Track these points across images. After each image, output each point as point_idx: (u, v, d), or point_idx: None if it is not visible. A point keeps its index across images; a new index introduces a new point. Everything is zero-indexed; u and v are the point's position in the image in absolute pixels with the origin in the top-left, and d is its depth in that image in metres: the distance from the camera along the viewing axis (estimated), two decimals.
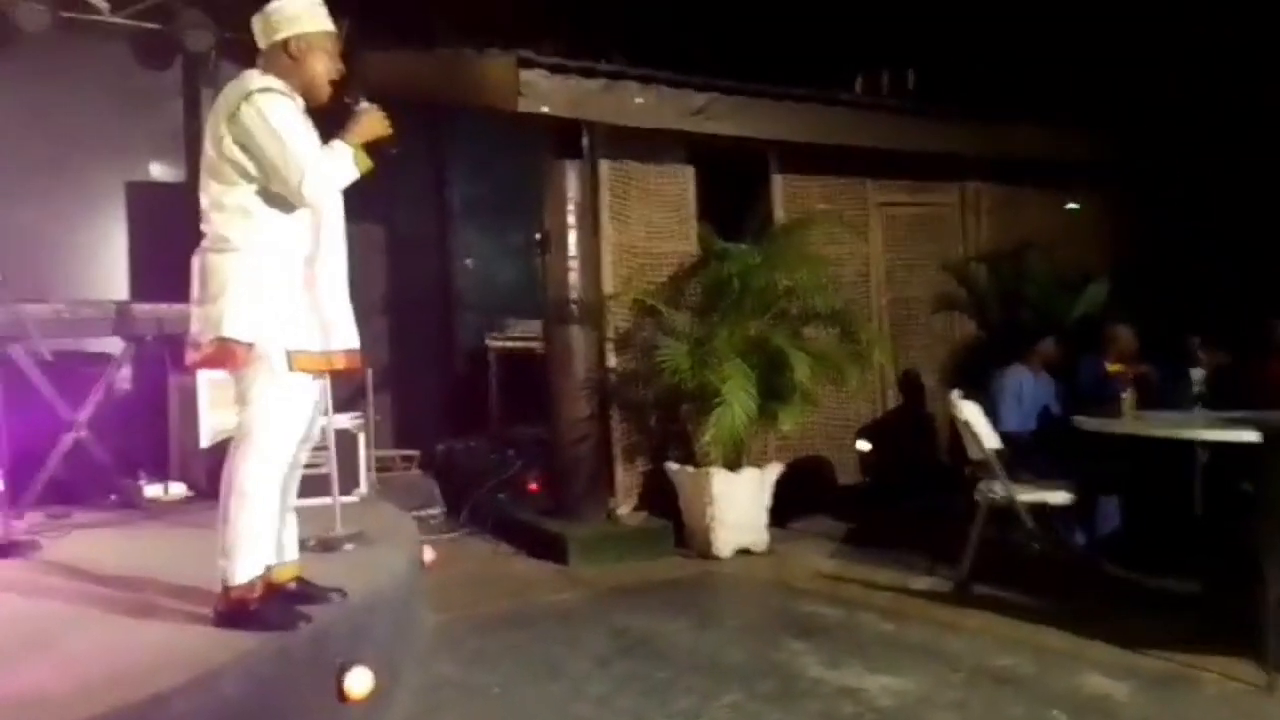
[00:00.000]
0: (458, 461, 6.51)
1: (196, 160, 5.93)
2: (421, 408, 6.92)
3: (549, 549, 5.13)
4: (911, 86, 6.56)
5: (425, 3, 5.23)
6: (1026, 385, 5.27)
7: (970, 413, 4.61)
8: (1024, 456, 4.77)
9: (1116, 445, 4.37)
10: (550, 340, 5.48)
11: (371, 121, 2.78)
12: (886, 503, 5.90)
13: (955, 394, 4.86)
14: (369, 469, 5.10)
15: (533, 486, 6.02)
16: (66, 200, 5.68)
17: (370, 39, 4.30)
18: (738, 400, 4.63)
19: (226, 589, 2.69)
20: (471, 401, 7.08)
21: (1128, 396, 4.43)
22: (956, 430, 6.24)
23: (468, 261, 7.45)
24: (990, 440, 4.62)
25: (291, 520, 2.93)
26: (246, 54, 2.83)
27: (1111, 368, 5.18)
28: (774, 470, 5.25)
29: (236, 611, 2.67)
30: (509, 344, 6.94)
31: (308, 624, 2.71)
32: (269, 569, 2.76)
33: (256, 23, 2.82)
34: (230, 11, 5.57)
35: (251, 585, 2.70)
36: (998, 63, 6.53)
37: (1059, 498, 4.53)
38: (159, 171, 6.07)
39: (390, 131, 2.82)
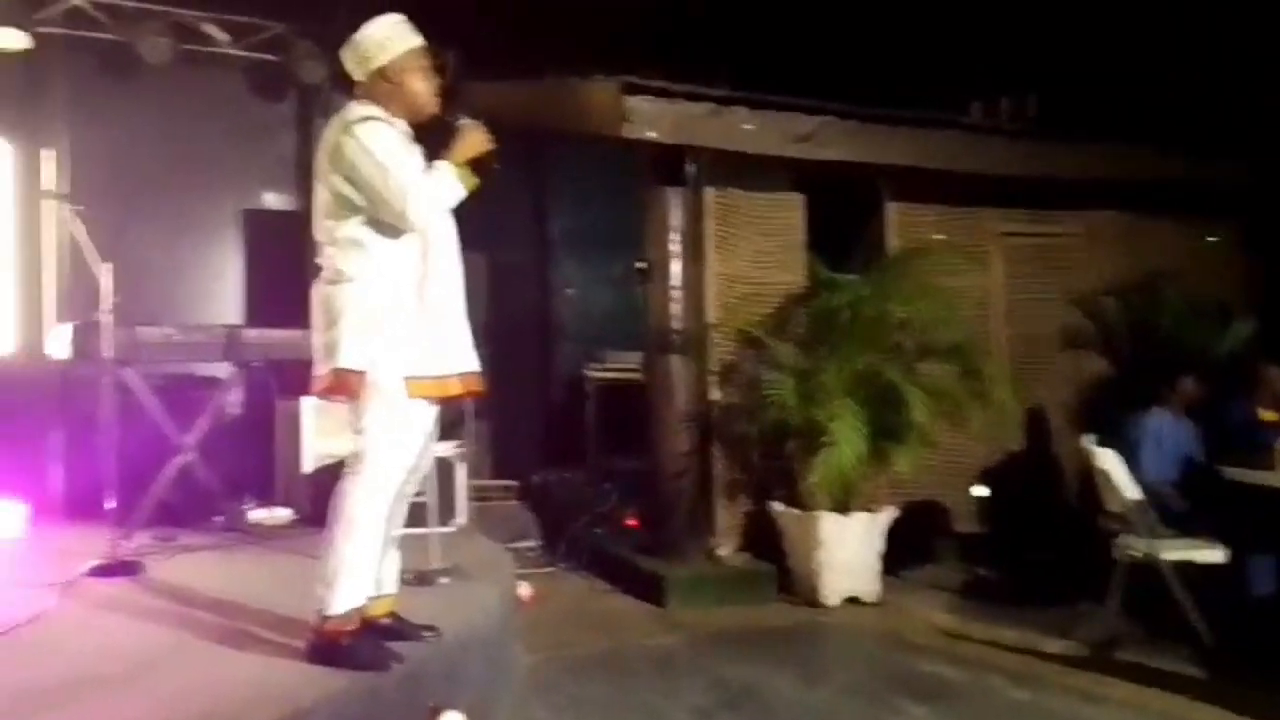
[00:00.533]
0: (554, 493, 6.41)
1: (308, 189, 6.05)
2: (519, 438, 6.86)
3: (646, 588, 4.94)
4: (1032, 113, 6.22)
5: (527, 32, 5.20)
6: (1167, 429, 4.88)
7: (1109, 461, 4.27)
8: (1165, 508, 4.40)
9: (1268, 499, 3.97)
10: (651, 372, 5.33)
11: (473, 137, 2.75)
12: (1008, 553, 5.52)
13: (1088, 439, 4.53)
14: (467, 499, 5.04)
15: (630, 521, 5.87)
16: (184, 226, 5.85)
17: (473, 69, 4.27)
18: (846, 440, 4.38)
19: (322, 620, 2.60)
20: (569, 433, 6.98)
21: None
22: (1085, 476, 5.93)
23: (568, 291, 7.39)
24: (1130, 491, 4.26)
25: (394, 553, 2.85)
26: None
27: (1264, 414, 4.74)
28: (887, 514, 4.95)
29: (329, 647, 2.58)
30: (608, 375, 6.83)
31: (400, 664, 2.60)
32: (367, 600, 2.67)
33: (347, 56, 2.82)
34: (342, 44, 5.69)
35: (348, 618, 2.61)
36: (1123, 87, 6.17)
37: (1210, 556, 4.14)
38: (272, 200, 6.20)
39: (493, 146, 2.78)
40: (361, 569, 2.66)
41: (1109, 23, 6.38)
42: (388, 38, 2.75)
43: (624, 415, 6.80)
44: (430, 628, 2.83)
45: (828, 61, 5.96)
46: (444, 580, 3.61)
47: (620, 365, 6.84)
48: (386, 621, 2.78)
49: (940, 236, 5.78)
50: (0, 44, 5.22)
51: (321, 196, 2.76)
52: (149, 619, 3.18)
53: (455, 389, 2.79)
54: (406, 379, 2.66)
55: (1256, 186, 6.03)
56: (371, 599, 2.71)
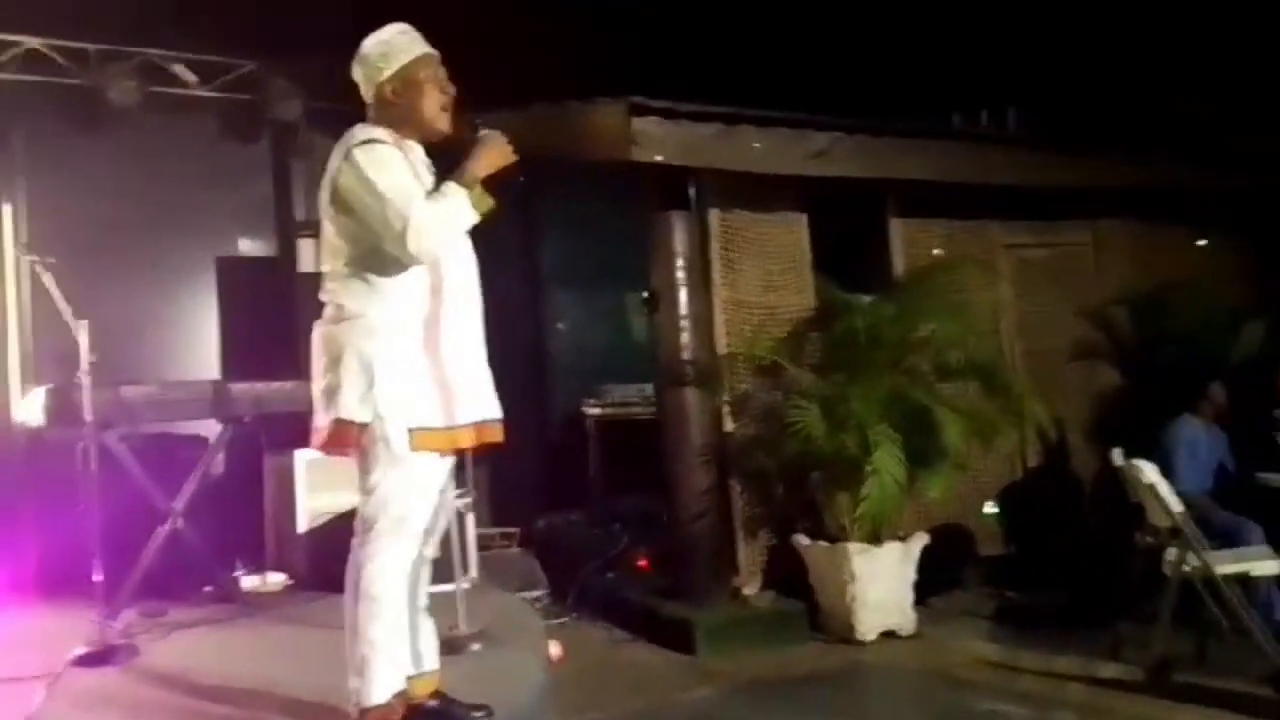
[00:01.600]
0: (559, 537, 6.12)
1: (286, 234, 5.82)
2: (517, 480, 6.54)
3: (672, 636, 4.66)
4: (1012, 125, 6.13)
5: (526, 56, 5.00)
6: (1200, 438, 4.75)
7: (1151, 473, 4.09)
8: (1204, 520, 4.24)
9: None
10: (662, 406, 5.09)
11: (493, 149, 2.50)
12: (1034, 575, 5.33)
13: (1118, 453, 4.37)
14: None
15: (642, 563, 5.60)
16: (156, 277, 5.52)
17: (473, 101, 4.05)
18: (889, 469, 4.16)
19: (361, 714, 2.31)
20: (570, 472, 6.70)
21: None
22: (1103, 491, 5.77)
23: (560, 325, 7.15)
24: (1176, 503, 4.09)
25: (426, 624, 2.56)
26: (336, 123, 2.61)
27: None
28: (919, 542, 4.74)
29: None
30: (608, 410, 6.59)
31: None
32: (407, 681, 2.38)
33: (355, 70, 2.59)
34: (318, 80, 5.44)
35: (390, 707, 2.33)
36: (1114, 95, 6.11)
37: (1266, 568, 3.98)
38: (248, 246, 5.90)
39: (515, 158, 2.54)
40: (393, 650, 2.39)
41: (1094, 27, 6.34)
42: (393, 47, 2.53)
43: (628, 452, 6.55)
44: (481, 707, 2.55)
45: (804, 76, 5.83)
46: (475, 647, 3.32)
47: (620, 400, 6.61)
48: (433, 703, 2.49)
49: (938, 251, 5.64)
50: None
51: (324, 229, 2.52)
52: (153, 715, 2.86)
53: (467, 440, 2.52)
54: (411, 430, 2.39)
55: (1264, 192, 5.97)
56: (412, 678, 2.43)
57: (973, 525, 5.56)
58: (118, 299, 5.19)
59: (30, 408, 4.29)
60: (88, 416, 3.63)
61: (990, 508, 5.64)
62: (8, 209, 5.18)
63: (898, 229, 5.57)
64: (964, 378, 4.93)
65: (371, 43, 2.55)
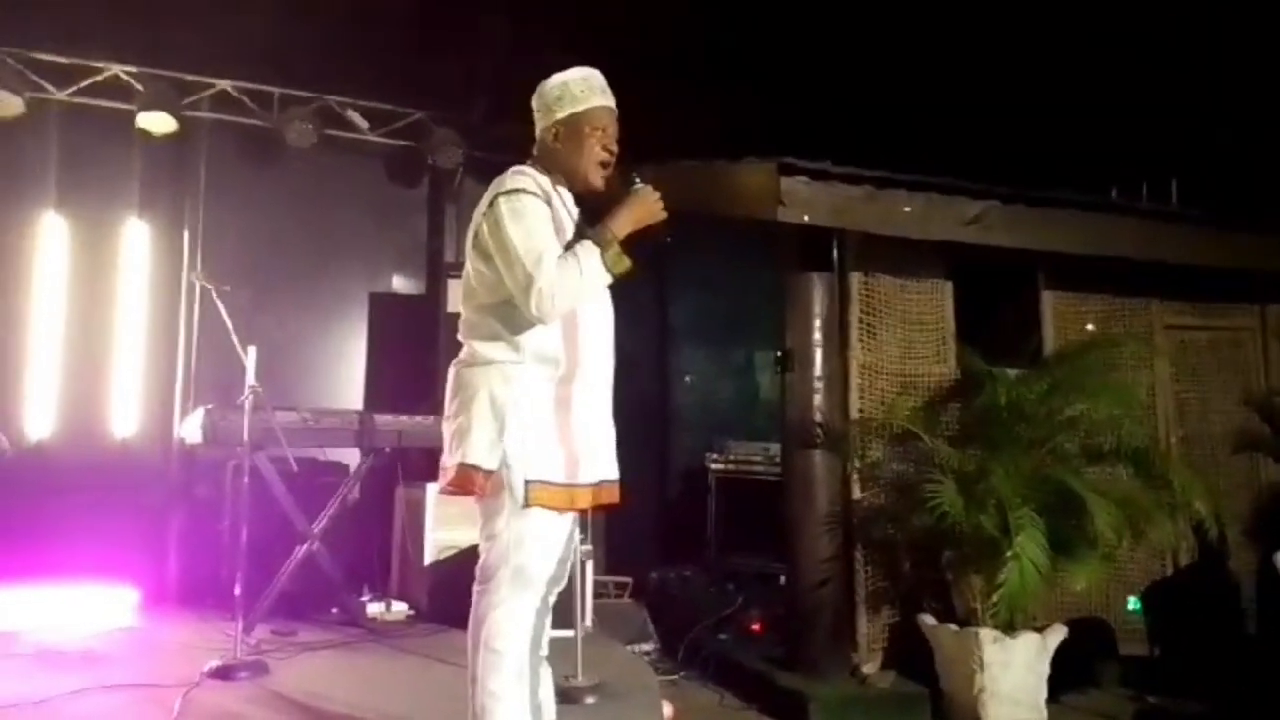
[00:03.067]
0: (673, 592, 6.05)
1: (437, 274, 6.06)
2: (634, 530, 6.53)
3: (785, 708, 4.50)
4: (1174, 200, 5.83)
5: (672, 117, 5.08)
6: None
7: None
8: None
9: None
10: (789, 467, 4.98)
11: (643, 206, 2.45)
12: (1179, 680, 4.94)
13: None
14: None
15: (756, 626, 5.48)
16: (311, 308, 5.84)
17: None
18: (1031, 555, 3.94)
19: None
20: (687, 527, 6.65)
21: None
22: (1260, 595, 5.32)
23: (687, 379, 7.16)
24: None
25: (546, 673, 2.53)
26: (492, 172, 2.59)
27: None
28: (1057, 635, 4.45)
29: None
30: (730, 467, 6.52)
31: None
32: None
33: (534, 102, 2.58)
34: (478, 131, 5.70)
35: None
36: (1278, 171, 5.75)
37: None
38: (400, 284, 6.16)
39: (665, 216, 2.48)
40: (513, 700, 2.36)
41: (1263, 101, 6.01)
42: (569, 91, 2.50)
43: (747, 510, 6.47)
44: None
45: (957, 142, 5.72)
46: (590, 700, 3.29)
47: (743, 457, 6.54)
48: None
49: (1091, 327, 5.39)
50: (150, 127, 5.32)
51: (466, 269, 2.52)
52: None
53: (584, 501, 2.47)
54: (529, 483, 2.35)
55: None
56: None
57: (1114, 621, 5.21)
58: (275, 326, 5.51)
59: (191, 426, 4.54)
60: (245, 438, 3.82)
61: (1134, 604, 5.29)
62: (186, 235, 5.57)
63: (1049, 302, 5.35)
64: (1115, 462, 4.65)
65: (554, 82, 2.53)
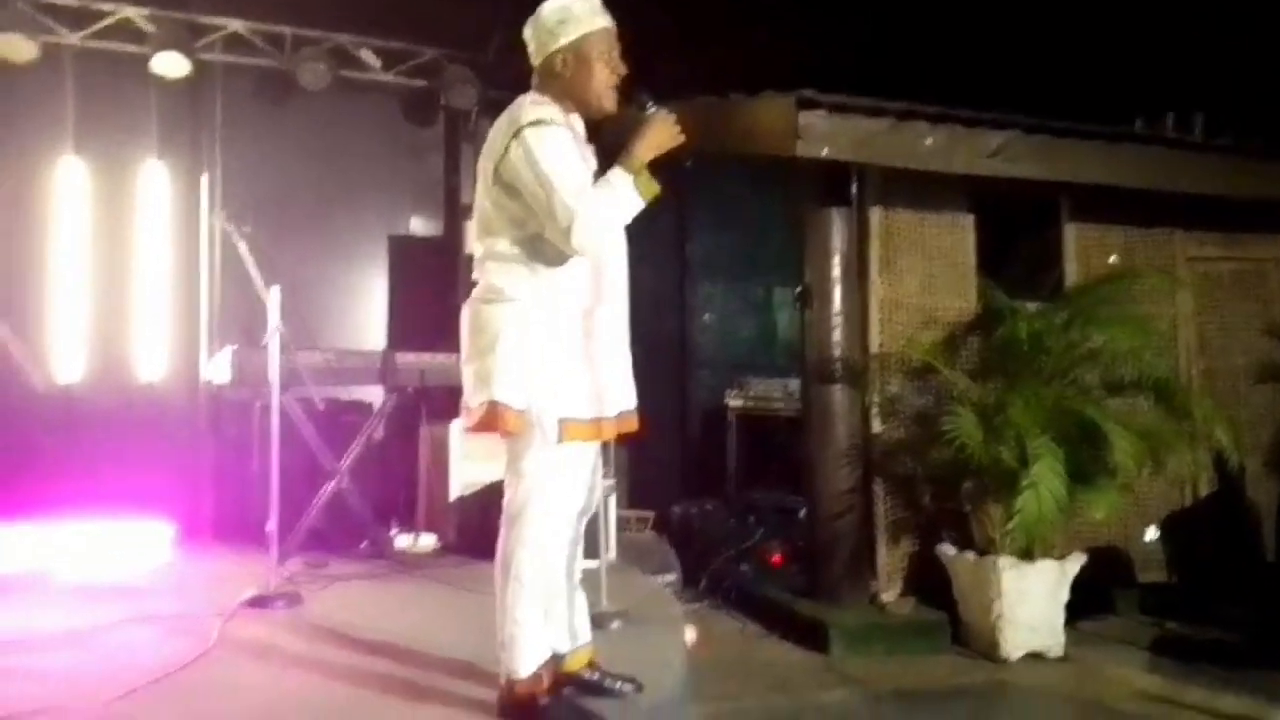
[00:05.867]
0: (694, 526, 6.14)
1: (454, 215, 6.05)
2: (655, 466, 6.61)
3: (806, 634, 4.60)
4: (1199, 130, 5.72)
5: (689, 51, 5.01)
6: None
7: None
8: None
9: None
10: (808, 402, 5.01)
11: (660, 131, 2.39)
12: (1198, 607, 5.00)
13: None
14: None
15: (775, 559, 5.57)
16: (331, 250, 5.85)
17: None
18: (1048, 484, 3.97)
19: (511, 683, 2.38)
20: (708, 462, 6.72)
21: None
22: None
23: (706, 317, 7.16)
24: None
25: (580, 599, 2.61)
26: None
27: None
28: (1075, 562, 4.51)
29: (524, 710, 2.36)
30: (750, 404, 6.57)
31: None
32: (560, 657, 2.44)
33: (528, 34, 2.51)
34: (493, 70, 5.64)
35: (538, 678, 2.39)
36: None
37: None
38: (419, 225, 6.17)
39: (683, 139, 2.43)
40: (538, 629, 2.42)
41: None
42: (571, 15, 2.44)
43: (767, 445, 6.53)
44: (631, 679, 2.59)
45: (979, 72, 5.60)
46: (615, 625, 3.38)
47: (763, 393, 6.57)
48: (587, 675, 2.55)
49: (1114, 260, 5.34)
50: (163, 70, 5.30)
51: (482, 207, 2.46)
52: (316, 663, 3.04)
53: (610, 431, 2.51)
54: (561, 421, 2.37)
55: None
56: (565, 655, 2.50)
57: (1132, 549, 5.26)
58: (296, 267, 5.51)
59: (218, 367, 4.61)
60: (271, 378, 3.88)
61: (1153, 533, 5.32)
62: (205, 179, 5.58)
63: (1072, 235, 5.30)
64: (1135, 394, 4.65)
65: (550, 8, 2.45)
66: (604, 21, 2.48)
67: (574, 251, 2.35)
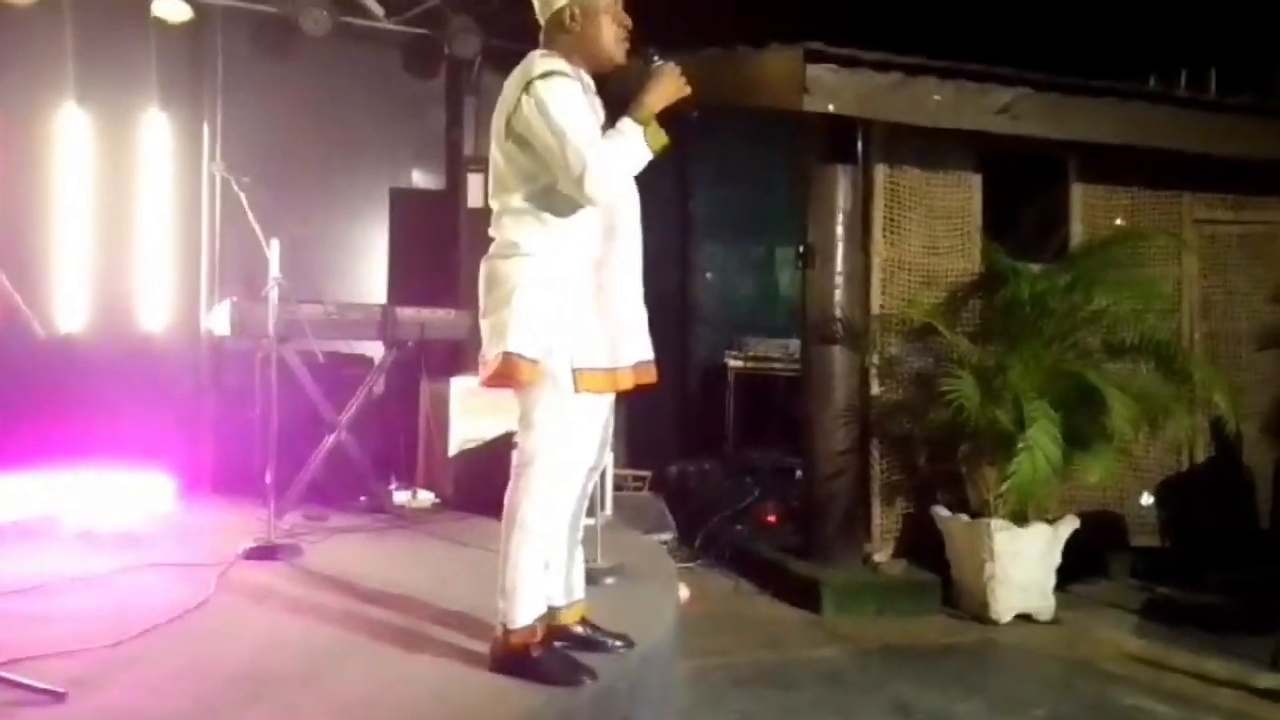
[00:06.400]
0: (691, 485, 6.18)
1: (456, 168, 5.98)
2: (652, 425, 6.61)
3: (798, 593, 4.66)
4: (1213, 89, 5.63)
5: (697, 4, 4.93)
6: None
7: None
8: None
9: None
10: (808, 362, 5.01)
11: (667, 83, 2.42)
12: (1191, 572, 5.03)
13: None
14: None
15: (770, 518, 5.61)
16: (333, 202, 5.80)
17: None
18: (1043, 447, 3.98)
19: (506, 633, 2.41)
20: (705, 421, 6.74)
21: None
22: (1277, 490, 5.36)
23: (707, 275, 7.13)
24: None
25: (579, 555, 2.65)
26: (511, 63, 2.56)
27: None
28: (1068, 526, 4.54)
29: (517, 659, 2.40)
30: (749, 363, 6.57)
31: (593, 681, 2.39)
32: (554, 610, 2.48)
33: None
34: (497, 19, 5.54)
35: (532, 629, 2.42)
36: None
37: None
38: (420, 178, 6.11)
39: (689, 91, 2.45)
40: (538, 579, 2.45)
41: None
42: None
43: (765, 405, 6.54)
44: (623, 637, 2.63)
45: (988, 26, 5.50)
46: (609, 580, 3.41)
47: (762, 353, 6.57)
48: (580, 630, 2.58)
49: (1120, 221, 5.29)
50: (165, 15, 5.23)
51: (495, 161, 2.49)
52: (314, 611, 3.08)
53: (627, 382, 2.53)
54: (576, 370, 2.40)
55: None
56: (561, 608, 2.54)
57: (1126, 514, 5.29)
58: (297, 219, 5.48)
59: (218, 318, 4.60)
60: (270, 330, 3.88)
61: (1148, 499, 5.34)
62: (206, 129, 5.53)
63: (1079, 195, 5.24)
64: (1136, 357, 4.64)
65: None
66: None
67: (586, 200, 2.37)
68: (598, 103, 2.55)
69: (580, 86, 2.45)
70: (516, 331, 2.38)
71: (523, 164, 2.42)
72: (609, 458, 3.75)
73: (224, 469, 5.19)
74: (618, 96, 2.55)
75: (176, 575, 3.46)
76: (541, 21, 2.53)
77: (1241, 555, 5.04)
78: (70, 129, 5.26)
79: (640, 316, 2.61)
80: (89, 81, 5.25)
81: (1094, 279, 4.49)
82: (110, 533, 4.08)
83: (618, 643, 2.61)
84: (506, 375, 2.40)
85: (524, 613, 2.42)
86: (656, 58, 2.47)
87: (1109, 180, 5.25)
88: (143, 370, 5.22)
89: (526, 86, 2.38)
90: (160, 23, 5.27)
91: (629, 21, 2.52)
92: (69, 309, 5.25)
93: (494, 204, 2.53)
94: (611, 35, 2.49)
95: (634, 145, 2.37)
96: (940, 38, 4.73)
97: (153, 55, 5.37)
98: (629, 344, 2.53)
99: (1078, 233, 5.20)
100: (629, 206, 2.56)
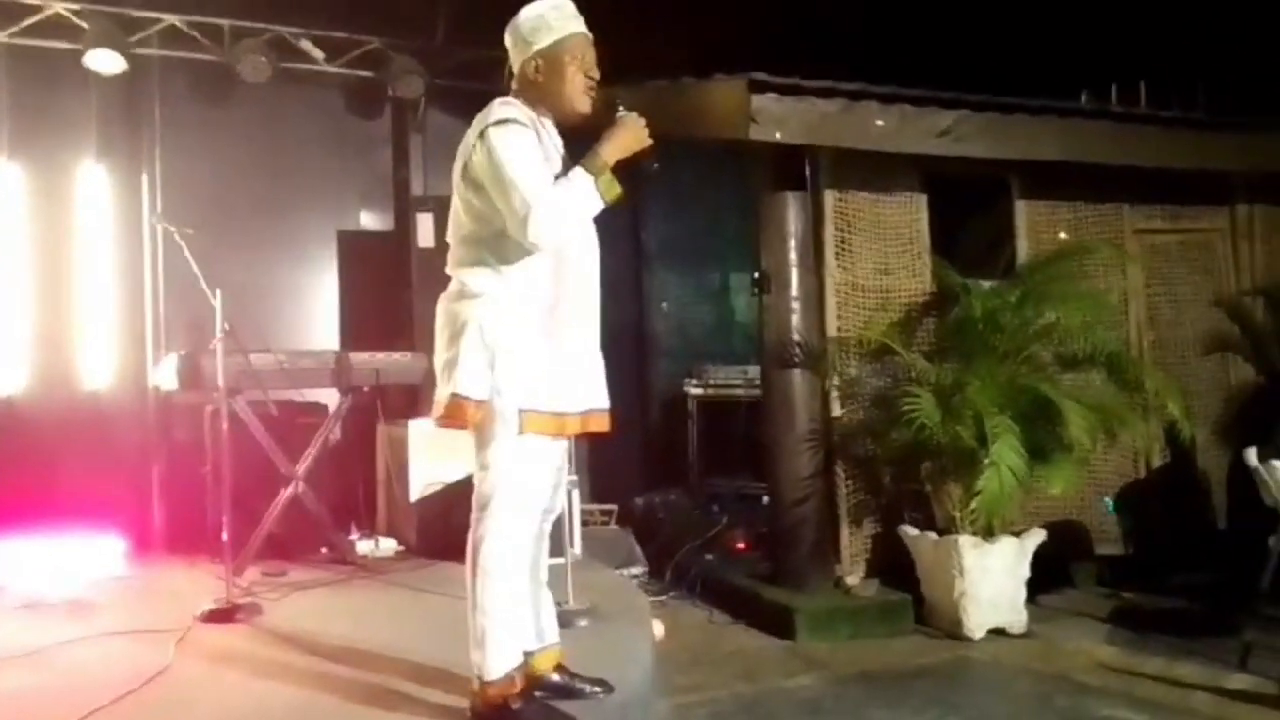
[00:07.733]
0: (658, 516, 6.13)
1: (404, 209, 5.92)
2: (616, 458, 6.57)
3: (772, 621, 4.62)
4: (1144, 102, 5.80)
5: (642, 36, 4.95)
6: None
7: None
8: None
9: None
10: (768, 388, 5.02)
11: (627, 134, 2.46)
12: (1154, 577, 5.10)
13: (1251, 452, 4.15)
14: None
15: (740, 545, 5.59)
16: (279, 248, 5.72)
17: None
18: (1008, 462, 4.01)
19: (484, 685, 2.35)
20: (669, 452, 6.70)
21: None
22: (1232, 492, 5.46)
23: (663, 305, 7.13)
24: None
25: (546, 598, 2.60)
26: (455, 100, 2.60)
27: None
28: (1035, 538, 4.57)
29: (497, 713, 2.34)
30: (710, 391, 6.56)
31: None
32: (528, 657, 2.41)
33: (508, 38, 2.57)
34: (440, 59, 5.52)
35: (511, 680, 2.36)
36: (1246, 70, 5.71)
37: None
38: (369, 220, 6.04)
39: (650, 143, 2.49)
40: (510, 625, 2.42)
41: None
42: (544, 22, 2.49)
43: (728, 433, 6.52)
44: (601, 682, 2.58)
45: (925, 52, 5.61)
46: (583, 623, 3.35)
47: (722, 380, 6.57)
48: (557, 678, 2.53)
49: (1064, 235, 5.39)
50: (97, 67, 5.13)
51: (454, 203, 2.53)
52: (280, 673, 2.98)
53: (574, 428, 2.55)
54: (522, 412, 2.40)
55: None
56: (534, 652, 2.47)
57: (1089, 522, 5.35)
58: (243, 268, 5.37)
59: (165, 372, 4.49)
60: (220, 382, 3.78)
61: (1110, 504, 5.41)
62: (145, 179, 5.42)
63: (1023, 211, 5.34)
64: (1089, 369, 4.72)
65: (525, 15, 2.53)
66: (577, 27, 2.54)
67: (531, 245, 2.38)
68: (557, 153, 2.56)
69: (535, 134, 2.47)
70: (464, 373, 2.40)
71: (477, 208, 2.46)
72: (567, 499, 3.71)
73: (176, 527, 5.04)
74: (584, 144, 2.57)
75: (132, 643, 3.32)
76: (514, 66, 2.57)
77: (1202, 557, 5.12)
78: (3, 185, 5.12)
79: (595, 363, 2.62)
80: (23, 135, 5.15)
81: (1043, 293, 4.56)
82: (60, 601, 3.93)
83: (596, 689, 2.57)
84: (455, 417, 2.42)
85: (499, 663, 2.36)
86: (622, 108, 2.51)
87: (1051, 195, 5.35)
88: (88, 429, 5.08)
89: (482, 133, 2.42)
90: (95, 75, 5.18)
91: (596, 73, 2.55)
92: (7, 370, 5.09)
93: (451, 245, 2.56)
94: (577, 86, 2.51)
95: (583, 193, 2.40)
96: (881, 64, 4.82)
97: (89, 107, 5.27)
98: (580, 389, 2.54)
99: (1023, 248, 5.29)
100: (584, 253, 2.57)
